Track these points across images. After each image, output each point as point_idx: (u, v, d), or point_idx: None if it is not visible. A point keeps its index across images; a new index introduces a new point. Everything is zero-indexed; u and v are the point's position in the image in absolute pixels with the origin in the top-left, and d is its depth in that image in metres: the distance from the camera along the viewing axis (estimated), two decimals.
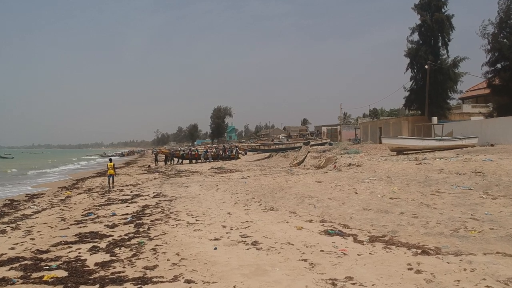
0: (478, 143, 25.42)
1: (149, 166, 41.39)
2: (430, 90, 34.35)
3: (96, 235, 9.08)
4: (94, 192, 18.90)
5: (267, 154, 41.16)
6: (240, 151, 45.32)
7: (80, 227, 10.21)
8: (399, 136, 27.62)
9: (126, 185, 20.78)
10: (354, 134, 54.68)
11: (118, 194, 16.82)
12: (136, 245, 7.88)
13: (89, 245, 8.09)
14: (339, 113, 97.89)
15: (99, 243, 8.30)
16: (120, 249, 7.71)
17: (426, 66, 33.62)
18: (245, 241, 7.74)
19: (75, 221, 11.19)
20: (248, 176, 20.00)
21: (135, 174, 31.42)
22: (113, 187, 19.61)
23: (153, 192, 15.90)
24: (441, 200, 10.50)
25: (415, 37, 37.24)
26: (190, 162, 42.21)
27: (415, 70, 37.39)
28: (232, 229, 8.87)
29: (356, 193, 12.04)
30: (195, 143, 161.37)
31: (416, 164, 15.66)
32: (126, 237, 8.65)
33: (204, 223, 9.67)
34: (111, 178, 19.93)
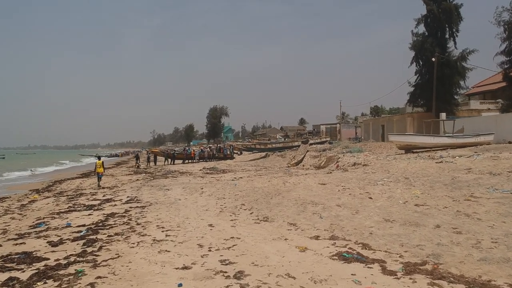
0: (493, 140, 23.23)
1: (138, 166, 38.96)
2: (437, 85, 32.12)
3: (28, 257, 6.70)
4: (63, 196, 16.49)
5: (263, 154, 38.86)
6: (235, 151, 42.96)
7: (16, 244, 7.82)
8: (407, 133, 25.35)
9: (103, 188, 18.39)
10: (354, 132, 52.41)
11: (87, 199, 14.43)
12: (71, 277, 5.52)
13: (6, 276, 5.72)
14: (336, 113, 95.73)
15: (23, 271, 5.94)
16: (45, 283, 5.35)
17: (433, 59, 31.36)
18: (225, 272, 5.37)
19: (16, 234, 8.80)
20: (241, 177, 17.65)
21: (120, 175, 29.02)
22: (99, 186, 18.62)
23: (127, 197, 13.51)
24: (482, 207, 8.21)
25: (420, 29, 35.08)
26: (184, 162, 39.92)
27: (421, 64, 35.16)
28: (210, 250, 6.51)
29: (370, 198, 9.73)
30: (191, 143, 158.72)
31: (436, 163, 13.36)
32: (65, 261, 6.28)
33: (176, 240, 7.30)
34: (100, 177, 19.03)
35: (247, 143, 46.42)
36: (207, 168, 31.17)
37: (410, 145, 22.83)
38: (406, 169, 12.81)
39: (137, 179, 21.22)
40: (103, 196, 14.85)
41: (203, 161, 39.84)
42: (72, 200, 14.33)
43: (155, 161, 39.49)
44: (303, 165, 29.17)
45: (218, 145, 44.31)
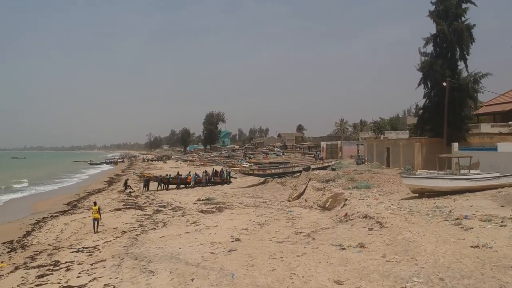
0: None
1: (129, 192, 36.78)
2: (447, 110, 30.22)
3: None
4: (34, 265, 14.31)
5: (261, 179, 36.96)
6: (232, 175, 41.10)
7: None
8: (421, 175, 23.31)
9: (77, 250, 15.90)
10: (356, 150, 50.47)
11: (59, 280, 12.24)
12: None
13: None
14: (335, 119, 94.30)
15: None
16: None
17: (444, 84, 29.41)
18: None
19: None
20: (238, 239, 15.58)
21: (108, 210, 26.89)
22: (96, 231, 19.19)
23: (104, 286, 11.32)
24: None
25: (428, 48, 33.22)
26: (178, 187, 37.94)
27: (429, 86, 33.28)
28: None
29: None
30: (188, 148, 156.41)
31: (472, 247, 11.31)
32: None
33: None
34: (95, 222, 19.41)
35: (245, 166, 44.47)
36: (202, 200, 29.22)
37: (425, 189, 20.95)
38: (437, 259, 10.73)
39: (123, 231, 19.06)
40: (78, 274, 12.69)
41: (198, 186, 37.88)
42: (41, 284, 12.16)
43: (147, 186, 37.46)
44: (306, 200, 27.27)
45: (215, 169, 42.36)
